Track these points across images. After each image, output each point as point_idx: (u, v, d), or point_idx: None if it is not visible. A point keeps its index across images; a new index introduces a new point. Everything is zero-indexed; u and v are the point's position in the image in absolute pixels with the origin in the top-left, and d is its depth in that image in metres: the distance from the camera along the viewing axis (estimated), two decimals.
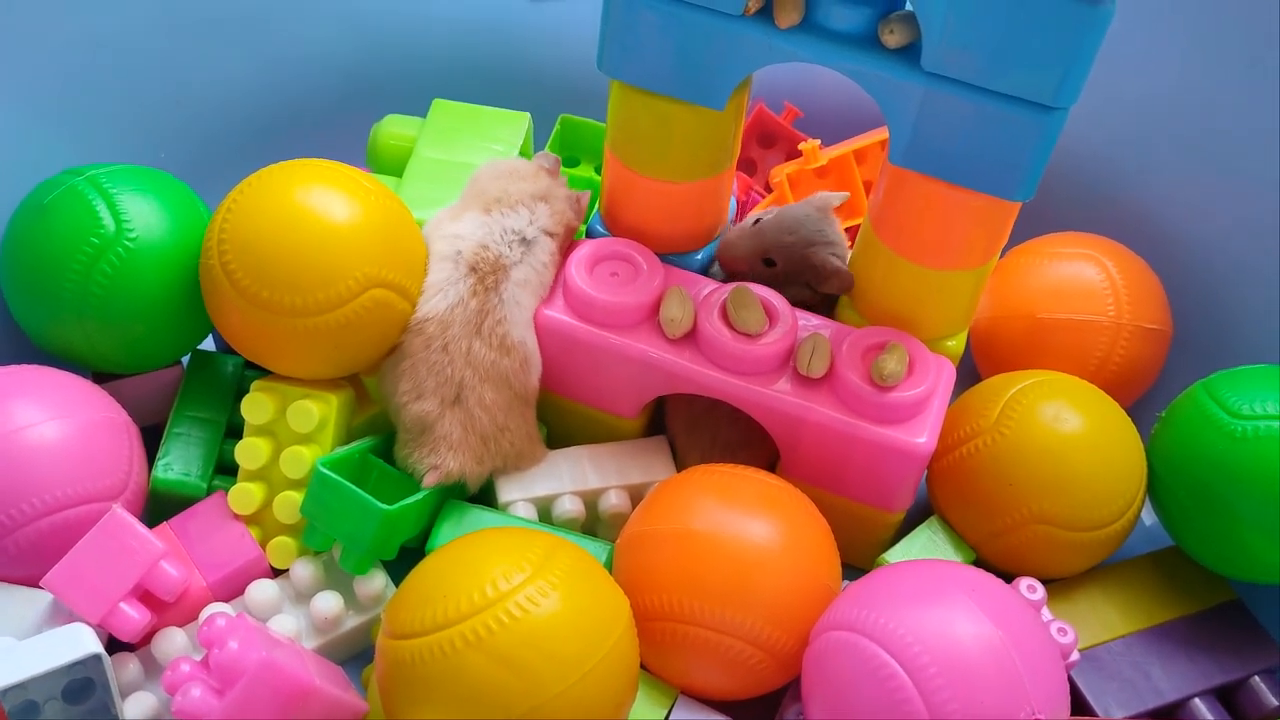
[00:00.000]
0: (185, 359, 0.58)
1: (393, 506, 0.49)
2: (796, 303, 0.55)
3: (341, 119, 0.65)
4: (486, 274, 0.52)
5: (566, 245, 0.56)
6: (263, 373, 0.55)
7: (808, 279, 0.56)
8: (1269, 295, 0.60)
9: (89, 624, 0.47)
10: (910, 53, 0.47)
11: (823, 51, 0.48)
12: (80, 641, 0.45)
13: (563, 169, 0.66)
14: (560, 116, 0.66)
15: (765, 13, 0.48)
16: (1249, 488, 0.51)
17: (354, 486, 0.49)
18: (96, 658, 0.45)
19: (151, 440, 0.55)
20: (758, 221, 0.56)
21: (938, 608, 0.43)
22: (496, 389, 0.52)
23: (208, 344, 0.60)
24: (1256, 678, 0.53)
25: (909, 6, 0.46)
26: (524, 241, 0.53)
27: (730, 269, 0.57)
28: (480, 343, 0.51)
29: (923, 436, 0.52)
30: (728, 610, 0.47)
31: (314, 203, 0.50)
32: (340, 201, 0.51)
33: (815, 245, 0.55)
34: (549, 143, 0.66)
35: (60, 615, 0.48)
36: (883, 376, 0.51)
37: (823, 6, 0.48)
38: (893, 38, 0.47)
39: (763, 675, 0.49)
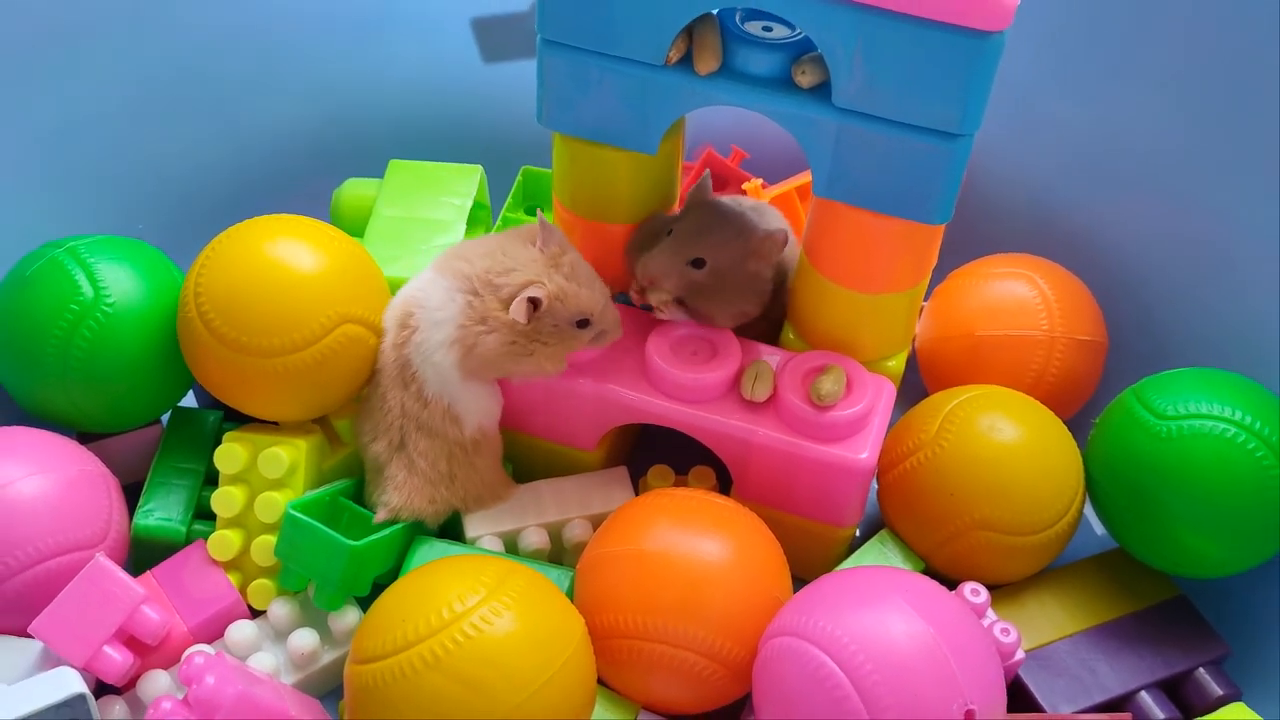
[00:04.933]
0: (165, 417, 0.61)
1: (359, 542, 0.52)
2: (743, 329, 0.58)
3: (306, 185, 0.69)
4: (405, 322, 0.54)
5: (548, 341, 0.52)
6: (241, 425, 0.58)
7: (745, 264, 0.55)
8: (1199, 305, 0.63)
9: (74, 667, 0.49)
10: (823, 91, 0.50)
11: (742, 94, 0.51)
12: (65, 683, 0.47)
13: (526, 217, 0.69)
14: (522, 168, 0.70)
15: (686, 61, 0.51)
16: (1178, 485, 0.53)
17: (321, 525, 0.51)
18: (81, 698, 0.47)
19: (135, 497, 0.58)
20: (670, 233, 0.55)
21: (873, 610, 0.46)
22: (429, 438, 0.54)
23: (189, 401, 0.63)
24: (1202, 669, 0.55)
25: (818, 49, 0.49)
26: (448, 305, 0.53)
27: (654, 285, 0.55)
28: (406, 395, 0.54)
29: (864, 452, 0.54)
30: (681, 624, 0.49)
31: (283, 250, 0.54)
32: (307, 248, 0.54)
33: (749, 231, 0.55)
34: (511, 193, 0.69)
35: (49, 661, 0.50)
36: (820, 396, 0.54)
37: (740, 53, 0.51)
38: (805, 78, 0.50)
39: (719, 687, 0.51)
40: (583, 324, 0.53)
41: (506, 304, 0.52)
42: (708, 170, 0.58)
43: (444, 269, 0.54)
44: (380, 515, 0.54)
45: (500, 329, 0.52)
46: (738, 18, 0.51)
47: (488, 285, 0.52)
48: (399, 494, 0.54)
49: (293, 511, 0.52)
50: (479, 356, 0.53)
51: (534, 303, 0.51)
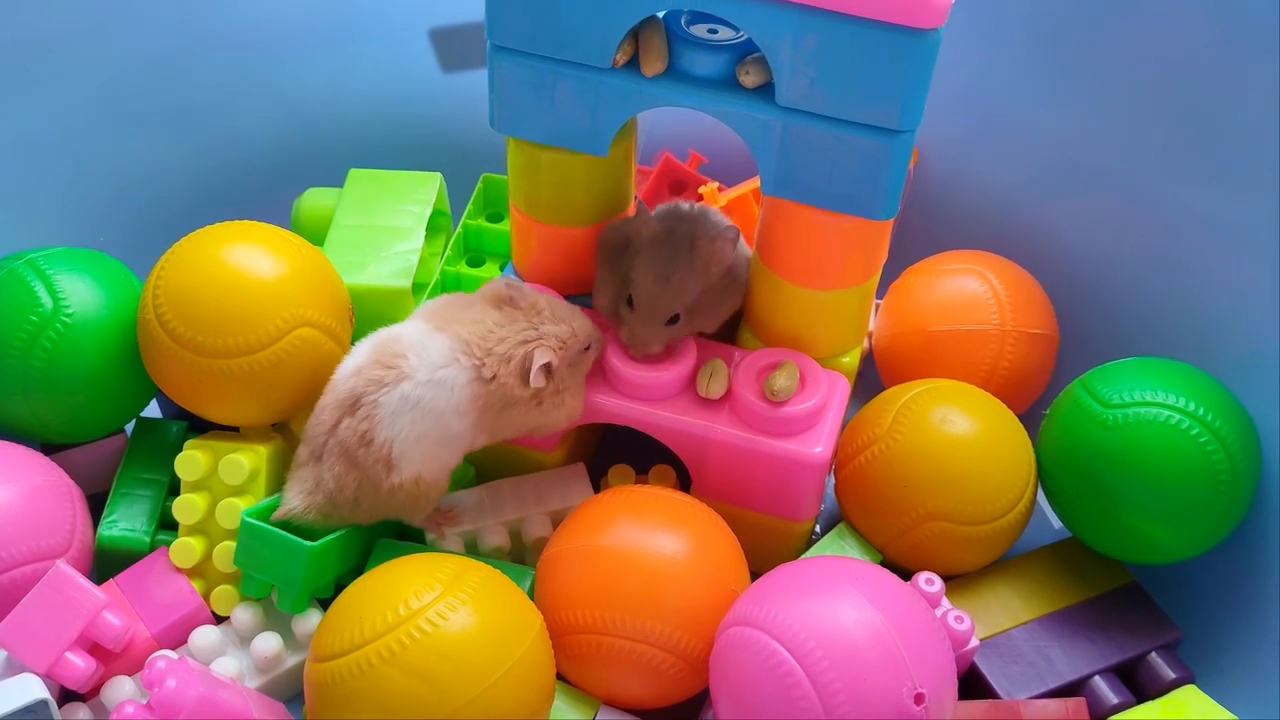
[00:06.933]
0: (130, 427, 0.61)
1: (317, 543, 0.52)
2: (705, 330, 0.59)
3: (267, 196, 0.70)
4: (386, 361, 0.51)
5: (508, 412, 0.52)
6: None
7: (708, 277, 0.55)
8: (1150, 301, 0.64)
9: (37, 674, 0.49)
10: (767, 90, 0.51)
11: (688, 95, 0.52)
12: (27, 689, 0.48)
13: (487, 224, 0.70)
14: (482, 176, 0.71)
15: (634, 64, 0.52)
16: (1124, 472, 0.54)
17: (277, 530, 0.52)
18: (44, 703, 0.48)
19: (99, 508, 0.58)
20: (630, 301, 0.55)
21: (824, 598, 0.46)
22: (347, 467, 0.51)
23: (154, 412, 0.64)
24: (1155, 653, 0.56)
25: (761, 50, 0.50)
26: (455, 369, 0.51)
27: (649, 350, 0.56)
28: (351, 422, 0.51)
29: (818, 446, 0.55)
30: (639, 619, 0.50)
31: (241, 254, 0.55)
32: (264, 251, 0.55)
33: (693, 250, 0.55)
34: (472, 200, 0.70)
35: (11, 669, 0.51)
36: (773, 392, 0.54)
37: (685, 55, 0.52)
38: (749, 78, 0.51)
39: (678, 680, 0.51)
40: (585, 349, 0.54)
41: (522, 376, 0.52)
42: (642, 203, 0.57)
43: (441, 327, 0.52)
44: (278, 513, 0.53)
45: (524, 401, 0.52)
46: (683, 20, 0.52)
47: (490, 355, 0.52)
48: (299, 500, 0.52)
49: (248, 519, 0.52)
50: (505, 422, 0.53)
51: (547, 366, 0.52)
